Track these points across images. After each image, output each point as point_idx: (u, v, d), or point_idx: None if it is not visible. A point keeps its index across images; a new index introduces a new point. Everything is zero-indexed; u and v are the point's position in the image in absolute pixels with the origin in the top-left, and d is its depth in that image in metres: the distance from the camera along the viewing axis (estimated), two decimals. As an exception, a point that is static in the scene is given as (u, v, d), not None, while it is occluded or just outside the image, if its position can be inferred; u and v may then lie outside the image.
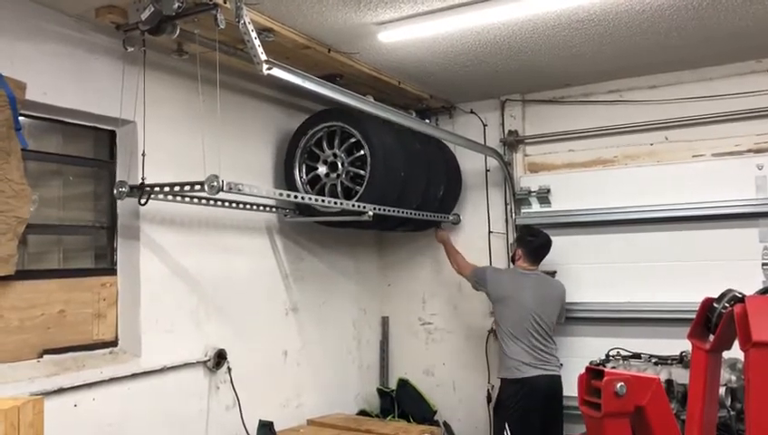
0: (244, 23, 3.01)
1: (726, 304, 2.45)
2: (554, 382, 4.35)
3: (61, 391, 3.13)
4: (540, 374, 4.30)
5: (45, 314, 3.27)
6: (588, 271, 4.84)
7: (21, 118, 3.05)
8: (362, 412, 5.28)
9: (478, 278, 4.68)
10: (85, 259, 3.62)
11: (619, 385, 2.45)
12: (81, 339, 3.43)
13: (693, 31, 3.87)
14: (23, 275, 3.15)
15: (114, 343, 3.59)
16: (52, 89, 3.25)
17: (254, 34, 3.05)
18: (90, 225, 3.64)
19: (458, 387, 5.43)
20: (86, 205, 3.64)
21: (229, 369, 4.05)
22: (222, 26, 3.04)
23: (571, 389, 4.11)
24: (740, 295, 2.44)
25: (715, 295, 2.52)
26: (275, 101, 4.69)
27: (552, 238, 4.62)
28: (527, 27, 3.76)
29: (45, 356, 3.24)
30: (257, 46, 3.05)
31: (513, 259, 4.77)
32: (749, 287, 2.58)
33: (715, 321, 2.47)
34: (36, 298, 3.24)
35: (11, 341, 3.11)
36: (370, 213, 4.14)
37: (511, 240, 5.12)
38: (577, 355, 4.60)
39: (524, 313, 4.38)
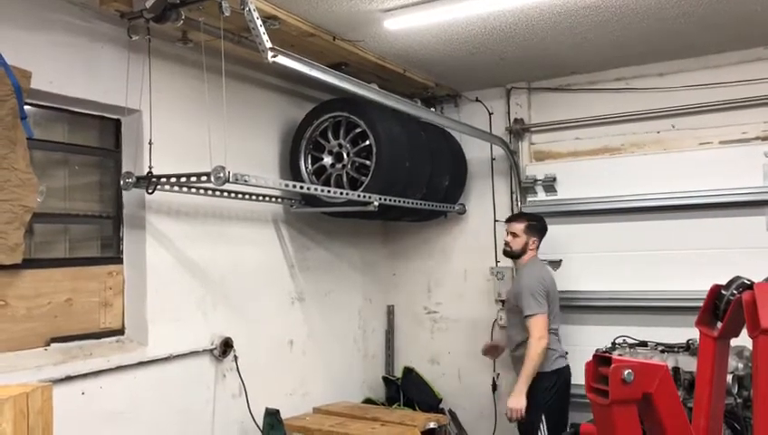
0: (249, 10, 3.01)
1: (735, 292, 2.44)
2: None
3: (68, 379, 3.15)
4: (567, 364, 4.30)
5: (52, 303, 3.29)
6: (594, 259, 4.82)
7: (26, 107, 3.03)
8: (368, 400, 5.29)
9: (541, 303, 4.22)
10: (91, 248, 3.63)
11: (626, 372, 2.43)
12: (88, 327, 3.45)
13: (700, 17, 3.84)
14: (29, 263, 3.16)
15: (121, 332, 3.61)
16: (58, 78, 3.24)
17: (259, 22, 3.04)
18: (96, 214, 3.64)
19: (464, 376, 5.43)
20: (92, 194, 3.64)
21: (236, 357, 4.06)
22: (227, 14, 3.03)
23: (576, 377, 4.14)
24: (748, 282, 2.43)
25: (723, 283, 2.51)
26: (281, 90, 4.67)
27: (558, 227, 4.62)
28: (533, 14, 3.73)
29: (52, 344, 3.26)
30: (262, 34, 3.05)
31: (523, 250, 4.44)
32: (757, 275, 2.57)
33: (724, 308, 2.47)
34: (43, 287, 3.25)
35: (18, 329, 3.13)
36: (376, 203, 4.14)
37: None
38: (583, 344, 4.57)
39: (557, 301, 4.38)
